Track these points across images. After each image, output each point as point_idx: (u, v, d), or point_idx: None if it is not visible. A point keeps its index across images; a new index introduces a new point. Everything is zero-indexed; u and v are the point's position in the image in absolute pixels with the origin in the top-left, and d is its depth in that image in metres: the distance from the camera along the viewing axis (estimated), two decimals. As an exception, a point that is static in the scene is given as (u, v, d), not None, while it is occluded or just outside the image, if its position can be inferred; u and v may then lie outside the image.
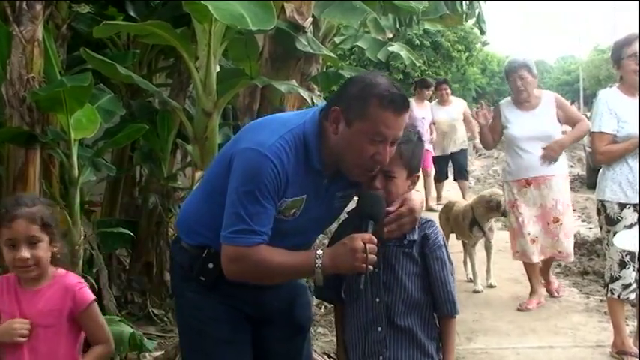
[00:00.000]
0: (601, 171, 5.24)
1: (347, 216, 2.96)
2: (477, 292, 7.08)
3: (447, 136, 12.02)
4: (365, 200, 2.75)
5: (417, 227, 2.84)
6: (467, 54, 33.36)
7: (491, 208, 7.06)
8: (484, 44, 37.13)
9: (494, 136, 6.67)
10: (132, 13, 6.03)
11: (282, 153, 2.57)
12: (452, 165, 12.50)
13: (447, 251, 2.90)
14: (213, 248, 2.75)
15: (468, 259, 7.52)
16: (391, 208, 2.76)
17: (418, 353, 2.83)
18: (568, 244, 6.49)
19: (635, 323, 5.36)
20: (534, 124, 6.42)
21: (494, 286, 7.27)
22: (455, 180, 12.55)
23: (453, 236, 7.67)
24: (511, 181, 6.59)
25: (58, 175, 5.19)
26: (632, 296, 5.08)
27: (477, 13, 8.24)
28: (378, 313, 2.80)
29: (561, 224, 6.43)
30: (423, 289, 2.84)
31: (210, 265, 2.78)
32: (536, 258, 6.53)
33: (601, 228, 5.27)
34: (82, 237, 4.87)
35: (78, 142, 4.78)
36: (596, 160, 5.24)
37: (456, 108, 12.22)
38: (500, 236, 7.77)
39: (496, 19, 40.06)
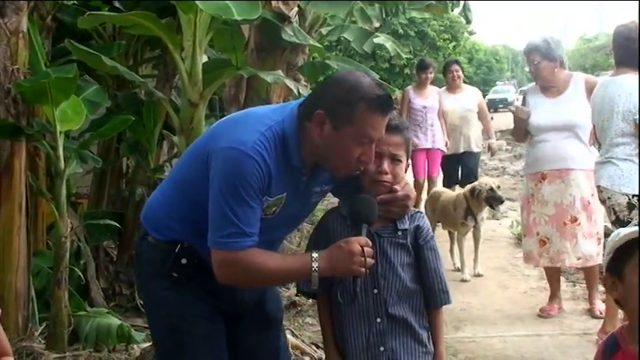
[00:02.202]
0: (629, 166, 4.95)
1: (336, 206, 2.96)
2: (465, 281, 7.10)
3: (457, 131, 9.51)
4: (358, 203, 2.73)
5: (407, 217, 2.86)
6: (453, 43, 33.37)
7: (476, 197, 7.10)
8: (470, 33, 37.16)
9: (525, 126, 6.03)
10: (117, 4, 6.00)
11: (264, 151, 2.52)
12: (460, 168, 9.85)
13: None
14: (186, 243, 2.70)
15: (455, 249, 7.54)
16: (397, 186, 2.79)
17: (413, 342, 2.84)
18: (588, 247, 5.81)
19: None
20: (556, 111, 5.82)
21: (482, 275, 7.28)
22: (460, 184, 9.38)
23: (438, 226, 7.69)
24: (528, 174, 6.10)
25: (44, 167, 5.18)
26: None
27: (461, 3, 8.25)
28: (377, 305, 2.80)
29: (580, 224, 5.78)
30: (414, 279, 2.85)
31: (184, 261, 2.71)
32: (545, 262, 6.00)
33: (627, 222, 4.95)
34: (69, 229, 4.86)
35: (64, 133, 4.76)
36: None
37: (470, 96, 9.67)
38: (487, 225, 7.78)
39: (483, 9, 40.09)
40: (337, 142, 2.56)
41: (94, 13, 4.76)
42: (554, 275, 6.14)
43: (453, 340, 5.38)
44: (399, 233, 2.83)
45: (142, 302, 6.02)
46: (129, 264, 6.40)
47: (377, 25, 7.69)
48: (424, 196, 9.12)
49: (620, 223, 5.03)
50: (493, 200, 7.11)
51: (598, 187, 5.19)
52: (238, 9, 4.10)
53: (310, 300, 6.04)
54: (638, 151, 4.94)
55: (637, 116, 4.89)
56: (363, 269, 2.58)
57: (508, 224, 9.43)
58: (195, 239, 2.64)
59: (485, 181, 7.34)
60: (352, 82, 2.56)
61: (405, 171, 2.89)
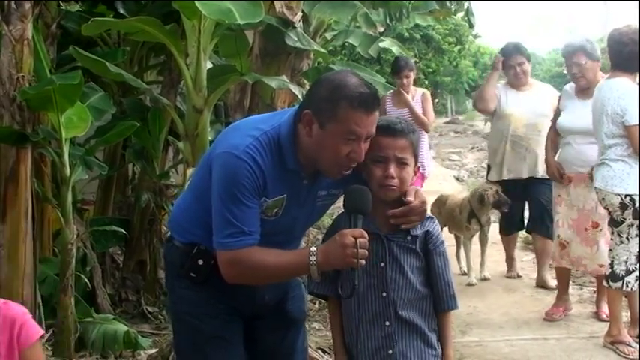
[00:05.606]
0: (621, 166, 5.00)
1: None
2: (471, 284, 7.06)
3: (521, 145, 6.82)
4: (351, 195, 2.74)
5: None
6: (458, 47, 33.30)
7: (480, 201, 7.04)
8: (476, 37, 37.09)
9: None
10: (121, 11, 6.02)
11: (256, 153, 2.61)
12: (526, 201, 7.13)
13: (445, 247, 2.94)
14: (202, 245, 2.80)
15: (462, 252, 7.51)
16: (410, 198, 2.80)
17: (423, 345, 2.85)
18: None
19: (629, 314, 5.39)
20: (587, 114, 5.39)
21: (488, 279, 7.26)
22: (527, 231, 7.32)
23: (445, 230, 7.67)
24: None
25: (49, 174, 5.19)
26: (636, 286, 5.11)
27: (465, 7, 8.25)
28: (386, 308, 2.82)
29: (601, 230, 5.63)
30: (424, 283, 2.86)
31: (200, 262, 2.82)
32: (566, 264, 5.94)
33: (621, 222, 5.03)
34: (75, 236, 4.86)
35: (69, 140, 4.77)
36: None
37: (542, 96, 6.88)
38: (493, 228, 7.75)
39: (488, 12, 40.03)
40: (324, 141, 2.60)
41: (98, 20, 4.78)
42: (563, 276, 6.11)
43: (459, 344, 5.36)
44: (409, 238, 2.84)
45: (148, 308, 6.05)
46: (135, 270, 6.43)
47: (381, 30, 7.69)
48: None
49: (614, 223, 5.11)
50: (500, 204, 6.96)
51: (595, 188, 5.22)
52: (241, 13, 4.11)
53: (317, 305, 6.06)
54: (630, 151, 5.00)
55: (624, 118, 4.97)
56: (356, 260, 2.60)
57: (514, 227, 9.36)
58: (210, 242, 2.72)
59: (486, 186, 7.20)
60: (337, 81, 2.62)
61: (415, 174, 2.90)
